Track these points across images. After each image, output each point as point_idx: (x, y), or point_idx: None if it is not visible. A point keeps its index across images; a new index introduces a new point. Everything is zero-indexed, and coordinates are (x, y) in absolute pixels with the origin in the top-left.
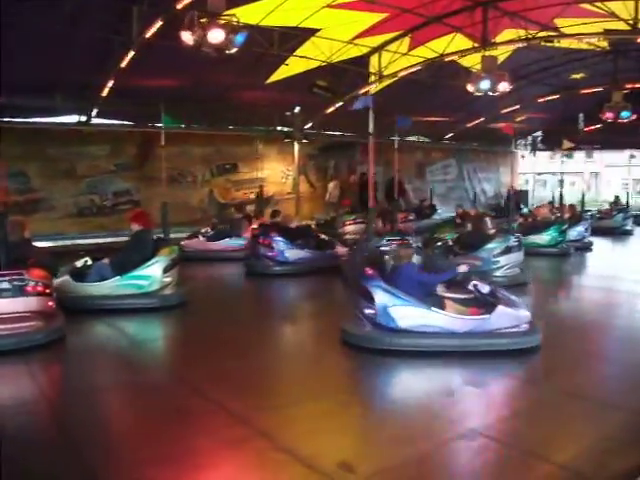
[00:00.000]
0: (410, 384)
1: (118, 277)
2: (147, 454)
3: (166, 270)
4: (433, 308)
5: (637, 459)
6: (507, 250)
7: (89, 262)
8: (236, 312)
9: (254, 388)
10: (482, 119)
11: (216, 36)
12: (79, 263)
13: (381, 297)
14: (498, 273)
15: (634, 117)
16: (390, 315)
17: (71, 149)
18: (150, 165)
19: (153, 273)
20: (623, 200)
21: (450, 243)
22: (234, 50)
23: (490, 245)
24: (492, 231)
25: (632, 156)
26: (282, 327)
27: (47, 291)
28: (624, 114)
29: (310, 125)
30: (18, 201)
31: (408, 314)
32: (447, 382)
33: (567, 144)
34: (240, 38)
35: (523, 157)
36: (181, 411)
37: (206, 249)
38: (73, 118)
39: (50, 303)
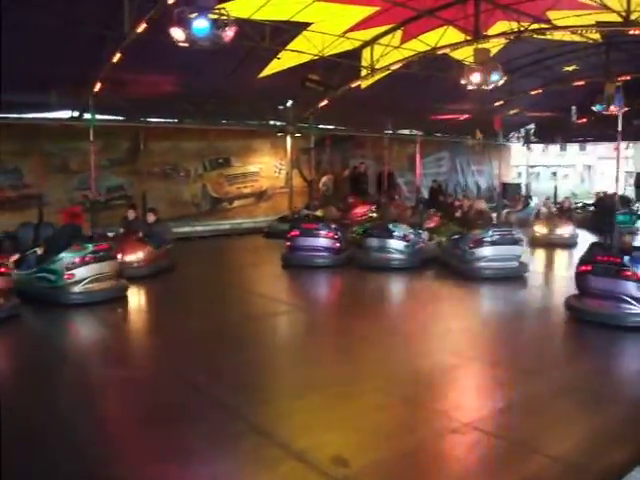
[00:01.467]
0: (403, 377)
1: (35, 269)
2: (143, 450)
3: (70, 268)
4: None
5: (630, 451)
6: None
7: (38, 252)
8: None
9: (249, 382)
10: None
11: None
12: (30, 251)
13: None
14: None
15: (626, 109)
16: None
17: (64, 144)
18: (143, 160)
19: (58, 268)
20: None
21: None
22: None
23: None
24: None
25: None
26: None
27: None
28: (597, 107)
29: (303, 119)
30: (10, 197)
31: None
32: (443, 375)
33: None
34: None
35: (529, 149)
36: (176, 407)
37: None
38: (66, 113)
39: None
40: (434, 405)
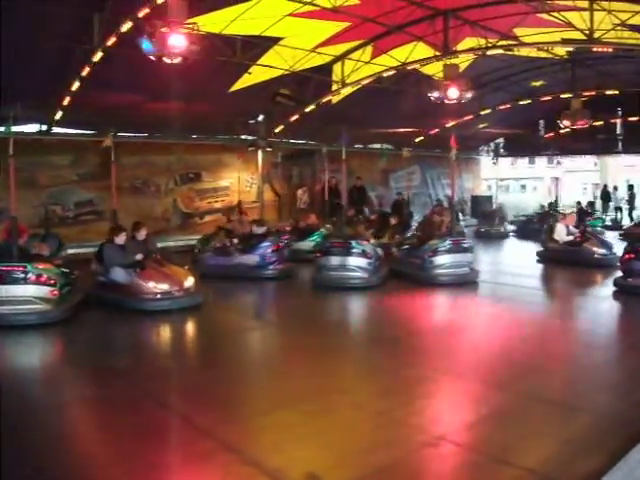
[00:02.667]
0: (374, 391)
1: None
2: (110, 471)
3: None
4: None
5: (601, 460)
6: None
7: None
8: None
9: (219, 399)
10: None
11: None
12: None
13: None
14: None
15: (592, 123)
16: None
17: (32, 159)
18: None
19: None
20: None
21: None
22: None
23: None
24: None
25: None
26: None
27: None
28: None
29: (274, 133)
30: None
31: None
32: (410, 391)
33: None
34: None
35: (495, 163)
36: (144, 425)
37: None
38: (34, 127)
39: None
40: (407, 419)
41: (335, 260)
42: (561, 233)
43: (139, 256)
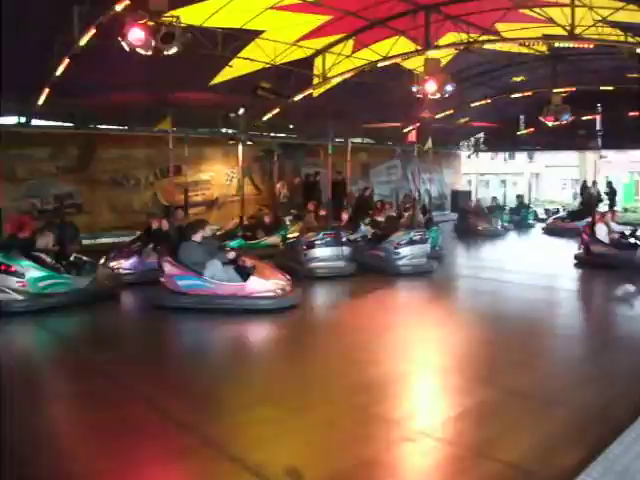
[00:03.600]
0: (356, 387)
1: None
2: (91, 467)
3: None
4: None
5: (581, 454)
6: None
7: None
8: None
9: (201, 395)
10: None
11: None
12: None
13: None
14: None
15: (572, 119)
16: None
17: (10, 151)
18: (93, 168)
19: None
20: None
21: None
22: (172, 51)
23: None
24: None
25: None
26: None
27: None
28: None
29: (255, 127)
30: None
31: None
32: (392, 386)
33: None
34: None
35: (469, 157)
36: (126, 421)
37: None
38: (12, 119)
39: None
40: (387, 414)
41: (327, 251)
42: (601, 233)
43: (231, 254)
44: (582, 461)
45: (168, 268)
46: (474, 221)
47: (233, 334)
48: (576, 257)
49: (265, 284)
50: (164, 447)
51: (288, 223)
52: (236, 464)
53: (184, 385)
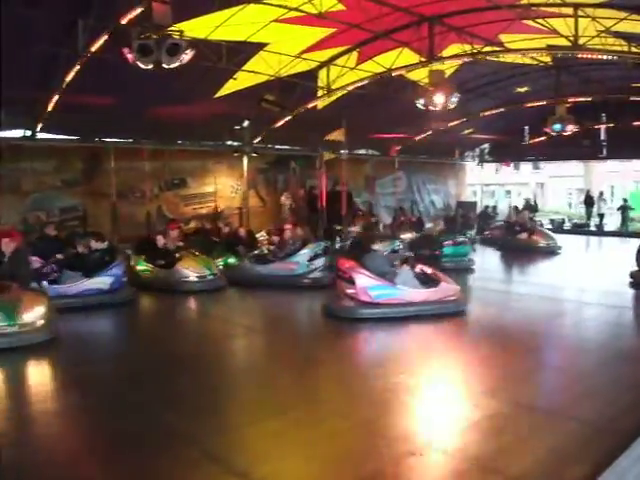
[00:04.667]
0: (360, 400)
1: None
2: None
3: None
4: None
5: (589, 468)
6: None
7: None
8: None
9: (206, 408)
10: (429, 132)
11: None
12: None
13: None
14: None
15: (577, 129)
16: None
17: (16, 165)
18: (98, 181)
19: None
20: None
21: None
22: (174, 65)
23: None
24: None
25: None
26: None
27: None
28: (555, 127)
29: (259, 139)
30: None
31: None
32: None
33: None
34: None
35: (482, 166)
36: (130, 434)
37: None
38: (18, 133)
39: None
40: (392, 427)
41: None
42: None
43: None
44: (590, 474)
45: (361, 280)
46: (528, 236)
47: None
48: (632, 275)
49: (453, 288)
50: (169, 460)
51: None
52: (241, 479)
53: (183, 396)
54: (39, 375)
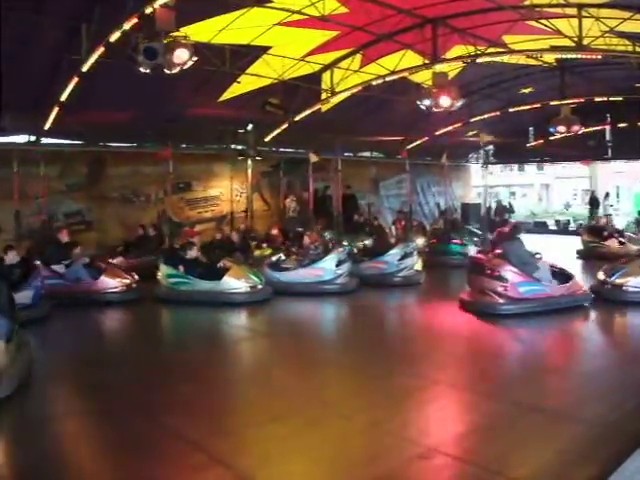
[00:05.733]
0: (365, 402)
1: None
2: None
3: None
4: None
5: (595, 471)
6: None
7: None
8: None
9: (210, 411)
10: (433, 135)
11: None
12: None
13: None
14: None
15: (581, 130)
16: None
17: (20, 169)
18: (102, 185)
19: None
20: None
21: None
22: (175, 70)
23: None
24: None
25: None
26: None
27: None
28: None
29: (263, 142)
30: None
31: None
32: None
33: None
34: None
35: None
36: (135, 439)
37: None
38: (22, 138)
39: None
40: (399, 430)
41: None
42: None
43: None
44: (596, 478)
45: (511, 276)
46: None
47: None
48: None
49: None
50: (175, 465)
51: None
52: None
53: (189, 400)
54: None
